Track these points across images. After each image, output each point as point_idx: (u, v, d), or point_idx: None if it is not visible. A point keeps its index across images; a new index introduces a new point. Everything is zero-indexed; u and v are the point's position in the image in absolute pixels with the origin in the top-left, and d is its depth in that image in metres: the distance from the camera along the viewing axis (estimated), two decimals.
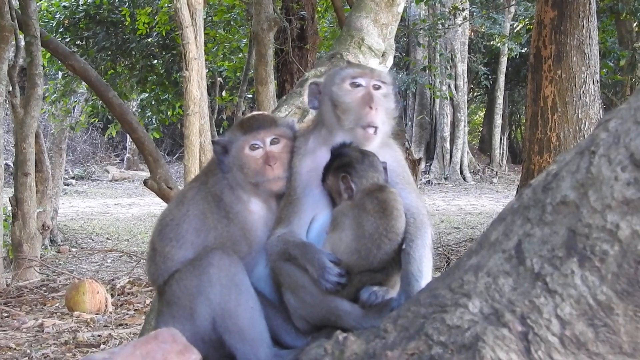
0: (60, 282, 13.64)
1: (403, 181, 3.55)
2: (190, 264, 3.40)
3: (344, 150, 3.41)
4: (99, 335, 9.58)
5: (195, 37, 10.04)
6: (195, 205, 3.59)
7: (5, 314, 11.00)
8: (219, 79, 21.72)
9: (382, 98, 3.54)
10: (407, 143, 32.39)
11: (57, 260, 16.51)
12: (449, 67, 34.87)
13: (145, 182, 12.99)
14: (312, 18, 15.91)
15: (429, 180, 34.38)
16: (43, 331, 9.88)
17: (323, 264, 3.16)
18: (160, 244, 3.59)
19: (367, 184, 3.33)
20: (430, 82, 32.83)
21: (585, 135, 10.69)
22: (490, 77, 37.45)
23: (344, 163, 3.36)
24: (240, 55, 20.09)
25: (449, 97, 34.51)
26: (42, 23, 17.55)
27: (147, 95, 20.72)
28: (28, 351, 8.86)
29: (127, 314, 11.09)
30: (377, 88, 3.55)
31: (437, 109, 36.02)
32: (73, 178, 36.78)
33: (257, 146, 3.62)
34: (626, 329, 2.20)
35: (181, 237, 3.54)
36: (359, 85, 3.52)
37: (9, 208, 14.34)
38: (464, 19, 28.15)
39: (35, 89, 13.57)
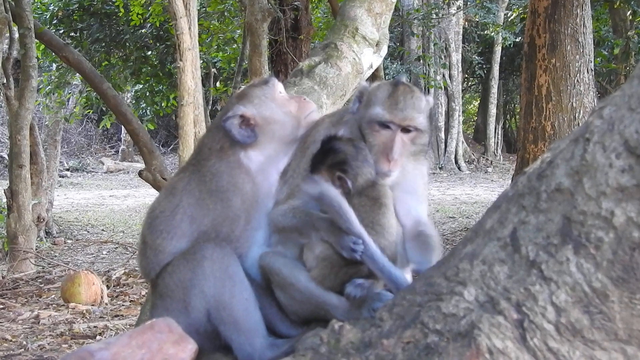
0: (55, 273, 13.63)
1: (419, 196, 3.51)
2: (183, 258, 3.38)
3: (337, 145, 3.36)
4: (94, 327, 9.60)
5: (189, 28, 10.05)
6: (188, 194, 3.55)
7: (1, 306, 11.00)
8: (213, 70, 21.72)
9: (407, 143, 3.39)
10: None
11: (52, 252, 16.52)
12: (443, 57, 34.86)
13: (140, 174, 12.99)
14: (305, 8, 15.87)
15: None
16: (39, 323, 9.88)
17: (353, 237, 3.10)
18: (150, 236, 3.57)
19: (361, 182, 3.32)
20: (425, 71, 32.80)
21: (580, 124, 10.70)
22: (484, 66, 37.50)
23: (339, 160, 3.31)
24: (235, 46, 20.08)
25: (443, 87, 34.49)
26: (36, 15, 17.56)
27: (141, 86, 20.72)
28: (24, 343, 8.86)
29: (122, 305, 11.09)
30: (408, 131, 3.40)
31: (432, 99, 35.87)
32: (68, 170, 36.75)
33: (282, 93, 3.76)
34: (621, 316, 2.21)
35: (173, 228, 3.51)
36: (387, 128, 3.36)
37: (4, 200, 14.32)
38: (458, 9, 28.20)
39: (30, 81, 13.53)
